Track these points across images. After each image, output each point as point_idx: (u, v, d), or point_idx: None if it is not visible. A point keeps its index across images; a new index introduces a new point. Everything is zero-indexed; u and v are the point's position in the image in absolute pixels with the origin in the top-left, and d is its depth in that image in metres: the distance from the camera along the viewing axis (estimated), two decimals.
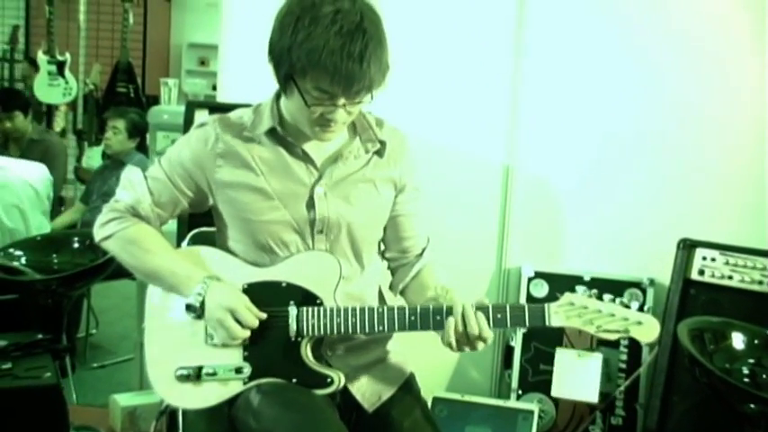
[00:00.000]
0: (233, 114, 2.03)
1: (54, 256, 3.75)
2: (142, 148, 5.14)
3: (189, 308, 1.90)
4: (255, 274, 1.97)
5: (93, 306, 4.92)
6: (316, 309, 1.92)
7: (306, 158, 1.98)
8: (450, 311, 1.87)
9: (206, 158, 1.97)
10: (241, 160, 1.96)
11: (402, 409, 2.05)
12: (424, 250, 2.16)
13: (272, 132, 1.97)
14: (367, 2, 1.82)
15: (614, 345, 3.22)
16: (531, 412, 3.21)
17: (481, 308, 1.87)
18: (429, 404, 2.65)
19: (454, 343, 1.87)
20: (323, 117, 1.85)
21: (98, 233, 2.03)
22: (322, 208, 1.96)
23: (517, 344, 3.38)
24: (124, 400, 3.47)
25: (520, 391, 3.39)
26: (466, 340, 1.86)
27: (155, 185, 2.01)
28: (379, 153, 2.05)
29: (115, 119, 5.04)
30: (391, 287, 2.18)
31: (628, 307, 1.85)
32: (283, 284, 1.95)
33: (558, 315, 1.87)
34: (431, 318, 1.89)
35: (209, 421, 2.05)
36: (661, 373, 3.17)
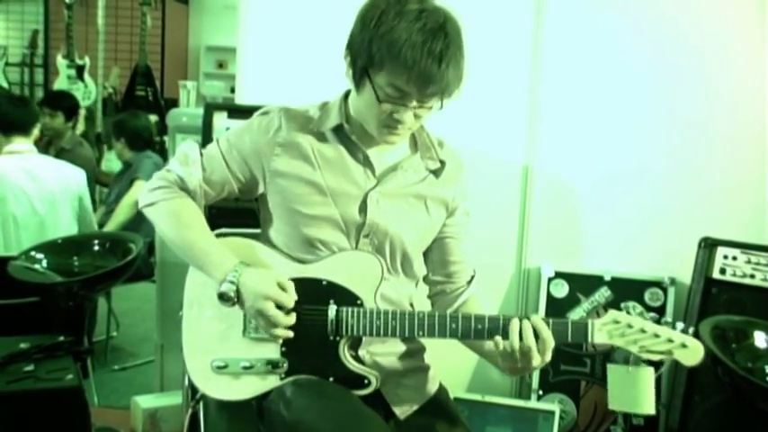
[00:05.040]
0: (298, 107, 2.04)
1: (75, 258, 3.76)
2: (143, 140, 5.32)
3: (222, 296, 1.88)
4: (297, 270, 1.97)
5: (113, 309, 4.95)
6: (355, 309, 1.91)
7: (366, 163, 1.99)
8: (492, 321, 1.86)
9: (265, 146, 1.98)
10: (300, 152, 1.97)
11: (445, 416, 2.06)
12: (471, 279, 2.16)
13: (338, 130, 1.98)
14: (450, 9, 1.85)
15: None
16: (552, 413, 3.20)
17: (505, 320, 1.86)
18: None
19: (508, 362, 1.86)
20: (391, 117, 1.86)
21: (143, 199, 2.03)
22: (373, 213, 1.97)
23: None
24: (145, 401, 3.48)
25: (540, 392, 3.38)
26: (520, 355, 1.83)
27: (208, 162, 2.02)
28: (437, 173, 2.05)
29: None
30: None
31: (673, 327, 1.82)
32: (324, 282, 1.94)
33: (601, 332, 1.84)
34: (472, 326, 1.88)
35: (231, 422, 2.06)
36: (682, 373, 3.16)
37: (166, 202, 1.99)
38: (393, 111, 1.85)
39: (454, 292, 2.14)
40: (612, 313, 1.85)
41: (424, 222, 2.05)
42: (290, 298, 1.88)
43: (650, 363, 2.23)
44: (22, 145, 4.13)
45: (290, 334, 1.90)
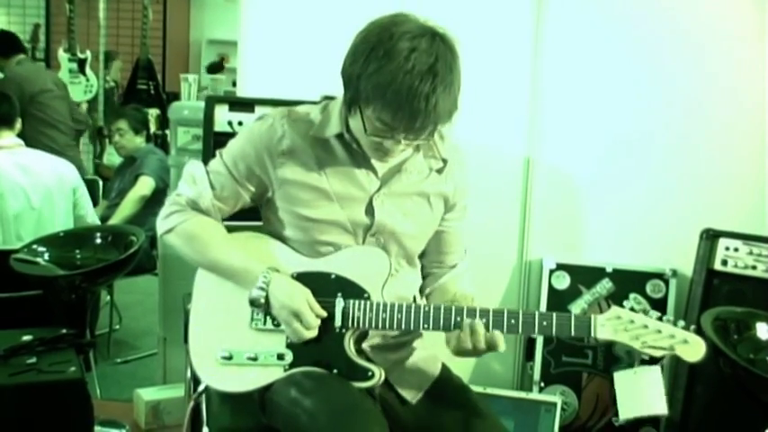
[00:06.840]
0: (300, 110, 2.02)
1: (77, 251, 3.77)
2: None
3: (253, 303, 1.92)
4: (305, 264, 1.99)
5: (116, 302, 4.95)
6: (362, 302, 1.93)
7: (369, 166, 1.99)
8: (497, 314, 1.88)
9: (269, 154, 1.97)
10: (304, 159, 1.97)
11: (454, 389, 2.10)
12: (456, 264, 2.19)
13: (339, 137, 1.97)
14: (447, 40, 1.81)
15: None
16: (554, 404, 3.21)
17: (509, 314, 1.89)
18: None
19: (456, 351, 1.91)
20: (381, 145, 1.87)
21: (160, 226, 2.05)
22: (380, 215, 1.99)
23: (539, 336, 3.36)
24: (148, 394, 3.49)
25: (542, 384, 3.38)
26: (472, 351, 1.89)
27: (217, 179, 2.02)
28: (440, 170, 2.06)
29: (117, 121, 5.24)
30: (420, 290, 2.19)
31: (675, 324, 1.82)
32: (332, 276, 1.96)
33: (604, 328, 1.84)
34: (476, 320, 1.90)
35: (234, 414, 2.06)
36: (684, 365, 3.15)
37: (182, 224, 2.02)
38: (382, 141, 1.86)
39: (436, 273, 2.18)
40: (615, 309, 1.86)
41: (427, 219, 2.08)
42: (316, 320, 1.91)
43: (651, 359, 2.23)
44: (10, 139, 4.11)
45: (311, 336, 1.92)
